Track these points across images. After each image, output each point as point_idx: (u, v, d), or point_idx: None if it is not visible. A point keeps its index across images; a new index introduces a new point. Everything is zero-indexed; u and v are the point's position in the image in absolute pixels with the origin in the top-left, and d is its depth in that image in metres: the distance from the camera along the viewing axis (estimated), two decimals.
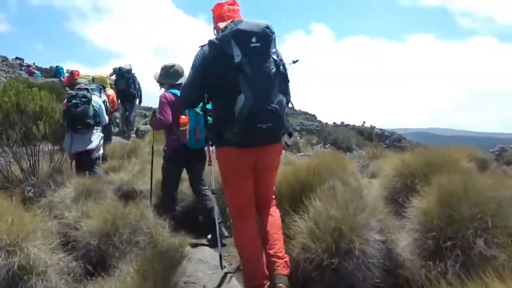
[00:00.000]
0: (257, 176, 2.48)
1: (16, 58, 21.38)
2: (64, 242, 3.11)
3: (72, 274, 2.78)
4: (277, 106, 2.21)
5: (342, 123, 39.16)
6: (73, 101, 4.97)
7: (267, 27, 2.24)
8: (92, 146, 5.19)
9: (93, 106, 5.11)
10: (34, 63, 21.01)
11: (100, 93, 6.72)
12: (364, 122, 38.16)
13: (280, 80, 2.28)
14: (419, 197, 2.83)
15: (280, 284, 2.30)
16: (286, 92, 2.35)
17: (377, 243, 2.45)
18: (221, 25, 2.35)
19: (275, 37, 2.29)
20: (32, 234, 2.69)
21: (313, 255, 2.40)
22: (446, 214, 2.54)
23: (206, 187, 3.91)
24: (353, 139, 12.69)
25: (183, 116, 3.64)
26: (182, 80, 3.94)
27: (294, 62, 2.43)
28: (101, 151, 5.59)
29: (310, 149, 10.85)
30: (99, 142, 5.39)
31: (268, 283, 2.38)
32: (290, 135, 2.54)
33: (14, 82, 4.77)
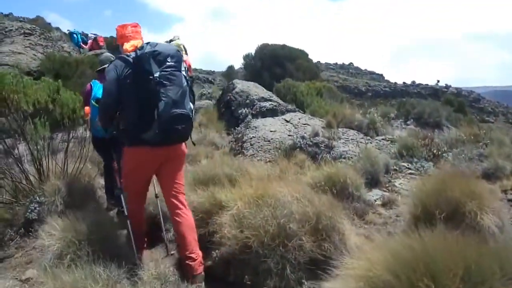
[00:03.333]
0: (164, 169, 2.91)
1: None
2: None
3: None
4: (189, 112, 2.74)
5: (413, 82, 35.62)
6: None
7: (178, 50, 2.79)
8: None
9: None
10: (68, 30, 15.18)
11: None
12: (438, 81, 34.36)
13: (189, 92, 2.81)
14: None
15: (199, 284, 2.62)
16: (193, 102, 2.90)
17: None
18: (128, 45, 2.89)
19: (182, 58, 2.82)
20: None
21: None
22: None
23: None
24: (443, 111, 10.24)
25: (87, 107, 3.83)
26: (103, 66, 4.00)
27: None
28: None
29: (390, 127, 8.72)
30: None
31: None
32: None
33: None
